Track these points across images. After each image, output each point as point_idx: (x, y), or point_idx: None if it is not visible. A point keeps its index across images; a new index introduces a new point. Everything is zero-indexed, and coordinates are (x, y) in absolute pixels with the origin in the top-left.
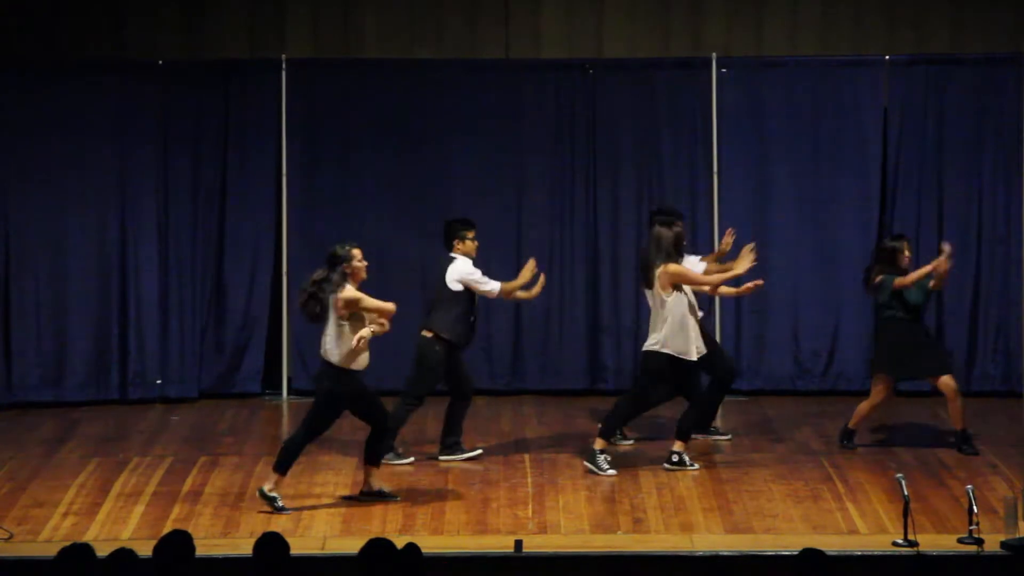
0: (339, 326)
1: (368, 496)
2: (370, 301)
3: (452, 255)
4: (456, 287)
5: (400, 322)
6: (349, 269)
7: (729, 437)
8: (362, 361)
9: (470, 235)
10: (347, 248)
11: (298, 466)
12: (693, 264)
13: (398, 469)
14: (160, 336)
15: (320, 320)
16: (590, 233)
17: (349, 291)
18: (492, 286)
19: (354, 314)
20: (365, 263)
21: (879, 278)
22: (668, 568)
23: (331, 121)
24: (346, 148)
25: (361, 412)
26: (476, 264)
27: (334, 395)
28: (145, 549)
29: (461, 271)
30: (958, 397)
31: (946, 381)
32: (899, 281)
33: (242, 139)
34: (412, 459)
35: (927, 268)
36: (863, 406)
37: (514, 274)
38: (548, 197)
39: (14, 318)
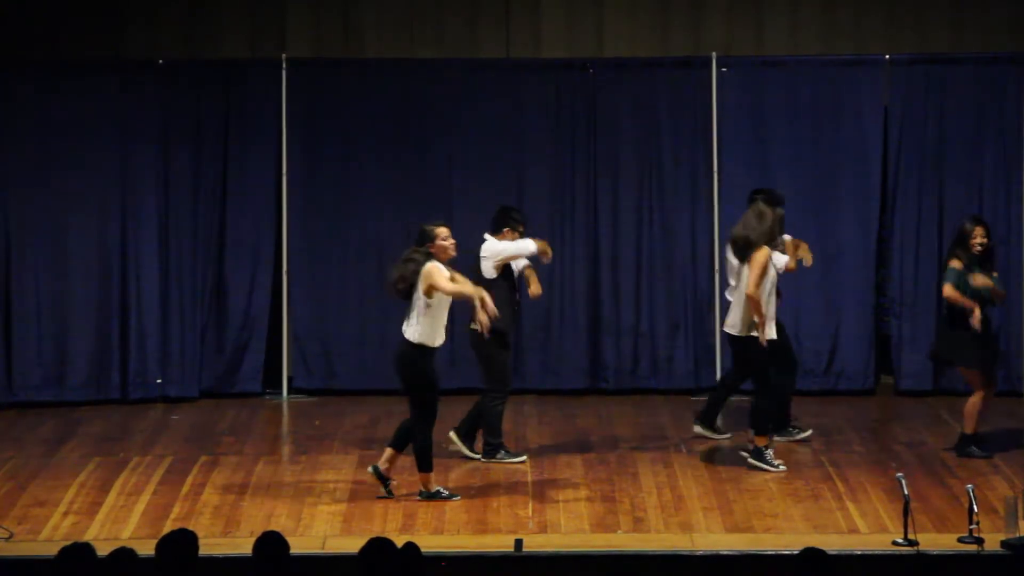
0: (426, 304)
1: (376, 474)
2: (448, 286)
3: (485, 237)
4: (491, 274)
5: (399, 323)
6: (434, 248)
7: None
8: (439, 339)
9: (521, 229)
10: (431, 227)
11: (297, 465)
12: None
13: (399, 464)
14: (160, 336)
15: (407, 298)
16: (590, 233)
17: (432, 269)
18: (525, 243)
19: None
20: (453, 241)
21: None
22: (668, 567)
23: (331, 121)
24: (346, 148)
25: (409, 389)
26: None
27: (419, 372)
28: (145, 548)
29: (490, 249)
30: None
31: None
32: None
33: (242, 139)
34: (524, 457)
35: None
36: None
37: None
38: (548, 197)
39: (15, 318)
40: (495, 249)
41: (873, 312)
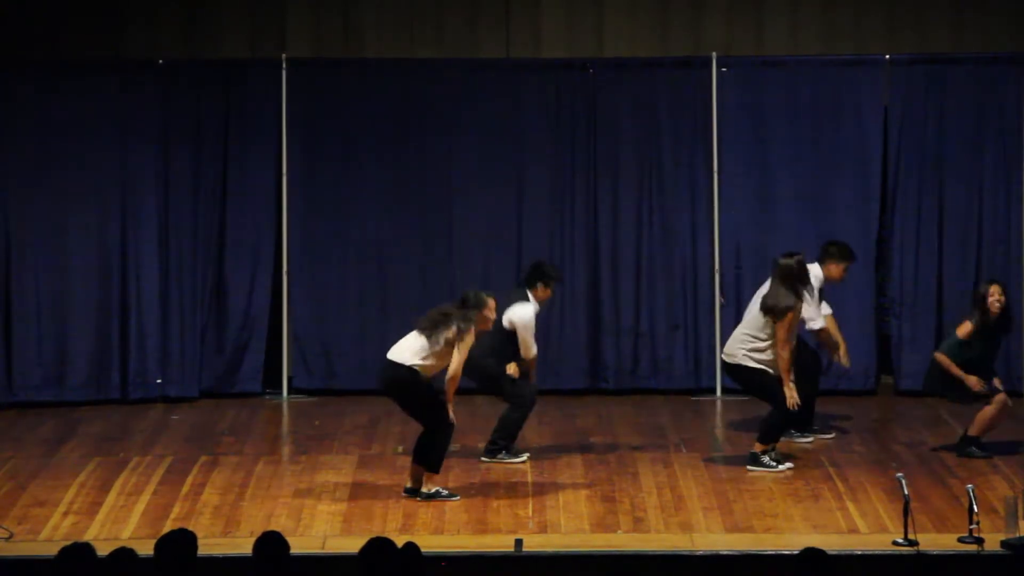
0: (444, 347)
1: (411, 494)
2: (459, 364)
3: (528, 294)
4: (508, 326)
5: (399, 322)
6: (479, 315)
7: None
8: (427, 372)
9: (553, 285)
10: (484, 296)
11: (297, 465)
12: (818, 309)
13: (398, 464)
14: (160, 336)
15: (424, 332)
16: (590, 233)
17: (469, 337)
18: (533, 349)
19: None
20: (495, 316)
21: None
22: (668, 567)
23: (331, 121)
24: (346, 148)
25: (413, 409)
26: (473, 265)
27: (421, 393)
28: (145, 548)
29: (519, 320)
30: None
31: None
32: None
33: (242, 139)
34: (525, 457)
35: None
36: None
37: (514, 275)
38: (548, 197)
39: (15, 318)
40: (523, 323)
41: (873, 312)
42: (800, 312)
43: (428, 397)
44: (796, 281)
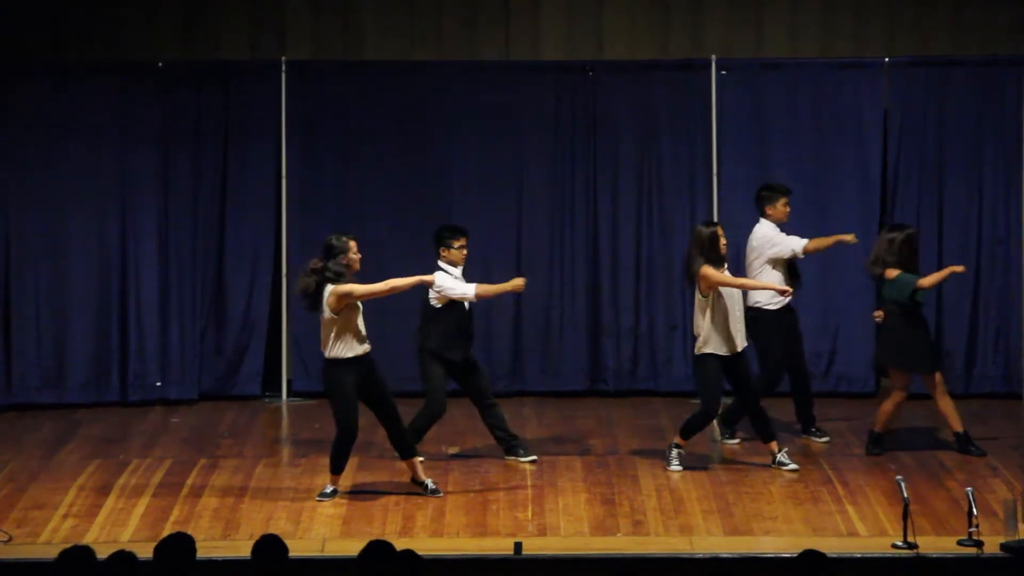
0: (327, 312)
1: (417, 485)
2: (362, 289)
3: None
4: (435, 304)
5: (398, 324)
6: (346, 260)
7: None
8: (342, 353)
9: (456, 244)
10: (344, 239)
11: (297, 468)
12: (793, 242)
13: (398, 467)
14: (160, 338)
15: (308, 309)
16: (590, 233)
17: (346, 285)
18: (466, 289)
19: (348, 305)
20: (359, 255)
21: (895, 273)
22: (668, 570)
23: (331, 122)
24: (346, 148)
25: (367, 402)
26: (472, 267)
27: (327, 379)
28: (145, 551)
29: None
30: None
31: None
32: (922, 283)
33: (242, 140)
34: (534, 457)
35: (945, 272)
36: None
37: (514, 275)
38: (548, 197)
39: (14, 319)
40: (439, 283)
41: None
42: (710, 274)
43: (336, 392)
44: (705, 247)
